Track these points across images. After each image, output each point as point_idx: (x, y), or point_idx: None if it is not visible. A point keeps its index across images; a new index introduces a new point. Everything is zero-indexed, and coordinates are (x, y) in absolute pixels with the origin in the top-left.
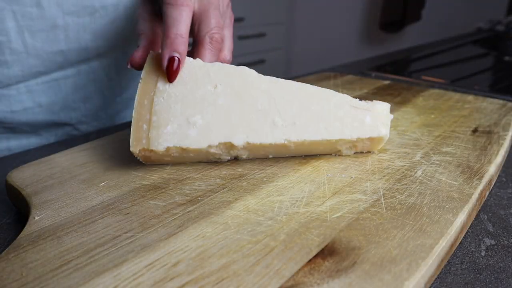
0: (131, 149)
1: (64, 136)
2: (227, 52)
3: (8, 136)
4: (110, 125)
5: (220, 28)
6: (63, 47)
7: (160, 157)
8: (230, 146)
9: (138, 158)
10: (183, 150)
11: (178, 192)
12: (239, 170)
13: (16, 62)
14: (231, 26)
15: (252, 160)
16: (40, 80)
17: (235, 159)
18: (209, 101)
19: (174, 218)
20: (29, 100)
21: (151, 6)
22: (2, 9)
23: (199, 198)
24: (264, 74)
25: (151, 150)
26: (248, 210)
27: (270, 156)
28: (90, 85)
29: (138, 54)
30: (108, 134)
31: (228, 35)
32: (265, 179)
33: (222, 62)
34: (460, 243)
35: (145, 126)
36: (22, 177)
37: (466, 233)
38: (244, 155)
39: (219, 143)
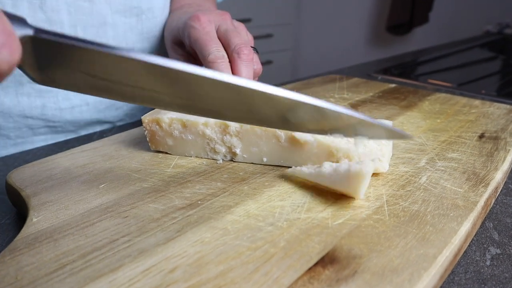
0: (142, 117)
1: (98, 135)
2: (258, 66)
3: (45, 138)
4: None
5: (244, 43)
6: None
7: (164, 135)
8: (224, 127)
9: (145, 133)
10: (184, 125)
11: (178, 195)
12: (241, 173)
13: None
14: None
15: (253, 164)
16: None
17: (232, 161)
18: None
19: (173, 223)
20: (77, 98)
21: (181, 49)
22: (57, 0)
23: (199, 202)
24: (271, 76)
25: (158, 121)
26: (249, 215)
27: (265, 160)
28: None
29: None
30: (110, 134)
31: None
32: (266, 183)
33: (256, 74)
34: (465, 251)
35: (162, 111)
36: (22, 178)
37: (471, 241)
38: (237, 147)
39: (215, 122)
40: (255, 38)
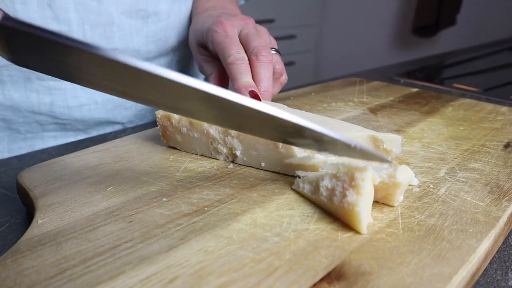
0: (156, 112)
1: (113, 135)
2: (284, 77)
3: (55, 135)
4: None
5: (263, 45)
6: (118, 45)
7: (173, 131)
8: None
9: (158, 128)
10: (191, 123)
11: (185, 201)
12: (251, 179)
13: None
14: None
15: (264, 170)
16: None
17: (233, 162)
18: None
19: (177, 229)
20: (85, 96)
21: (207, 51)
22: None
23: (205, 209)
24: (293, 77)
25: (168, 117)
26: (255, 224)
27: (263, 164)
28: None
29: None
30: (123, 135)
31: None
32: (276, 190)
33: (281, 84)
34: (485, 269)
35: None
36: (32, 178)
37: (492, 258)
38: (238, 149)
39: None
40: (278, 39)
